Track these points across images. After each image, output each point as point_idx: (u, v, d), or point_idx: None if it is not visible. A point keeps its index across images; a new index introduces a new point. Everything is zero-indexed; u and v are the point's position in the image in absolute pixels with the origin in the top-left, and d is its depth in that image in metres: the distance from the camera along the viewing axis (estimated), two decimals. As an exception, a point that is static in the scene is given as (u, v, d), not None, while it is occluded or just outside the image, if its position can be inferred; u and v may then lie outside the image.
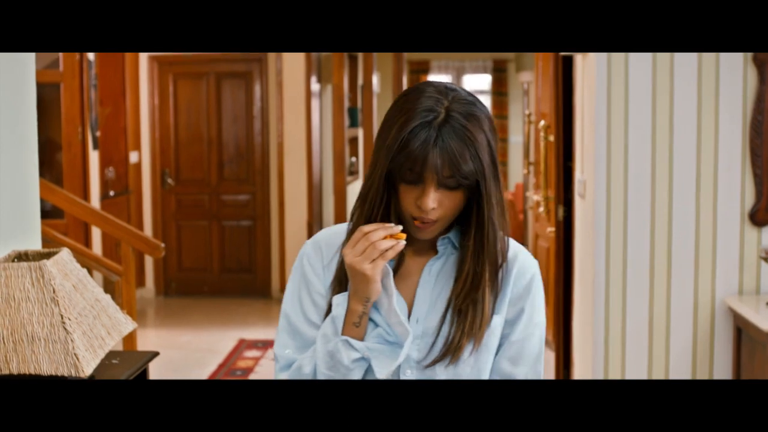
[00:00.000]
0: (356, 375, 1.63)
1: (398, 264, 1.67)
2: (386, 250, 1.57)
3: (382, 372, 1.62)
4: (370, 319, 1.65)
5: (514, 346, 1.69)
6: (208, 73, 8.11)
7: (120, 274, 5.12)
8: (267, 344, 6.50)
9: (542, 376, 1.72)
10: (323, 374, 1.63)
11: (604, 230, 3.91)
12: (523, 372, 1.69)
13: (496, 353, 1.69)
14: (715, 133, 3.85)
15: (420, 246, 1.68)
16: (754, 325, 3.55)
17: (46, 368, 2.16)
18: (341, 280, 1.67)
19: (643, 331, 3.94)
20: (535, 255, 6.80)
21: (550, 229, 5.37)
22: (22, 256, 2.39)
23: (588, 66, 4.07)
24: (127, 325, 2.45)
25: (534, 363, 1.70)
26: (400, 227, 1.60)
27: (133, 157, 7.86)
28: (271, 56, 7.94)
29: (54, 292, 2.19)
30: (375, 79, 8.71)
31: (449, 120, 1.55)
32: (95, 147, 6.65)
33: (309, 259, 1.72)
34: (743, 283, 3.90)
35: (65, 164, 6.47)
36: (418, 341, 1.65)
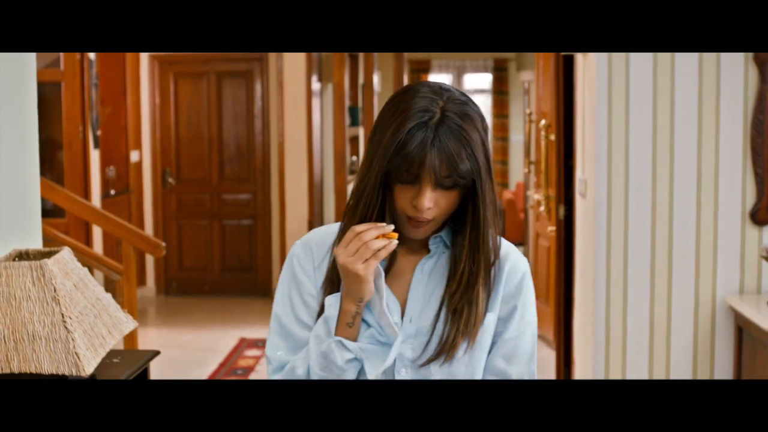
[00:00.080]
0: (350, 375, 1.63)
1: (390, 263, 1.67)
2: (379, 250, 1.57)
3: (372, 373, 1.62)
4: (363, 320, 1.65)
5: (508, 344, 1.70)
6: (209, 72, 8.11)
7: (121, 273, 5.12)
8: (268, 343, 6.49)
9: (536, 375, 1.72)
10: (317, 375, 1.63)
11: (605, 229, 3.91)
12: (517, 370, 1.70)
13: (489, 351, 1.70)
14: (716, 132, 3.85)
15: (412, 245, 1.69)
16: (755, 324, 3.55)
17: (47, 367, 2.16)
18: (333, 281, 1.67)
19: (643, 330, 3.94)
20: (536, 254, 6.80)
21: (551, 228, 5.37)
22: (22, 255, 2.39)
23: (589, 65, 4.07)
24: (128, 324, 2.45)
25: (528, 361, 1.71)
26: (392, 226, 1.59)
27: (133, 156, 7.86)
28: (272, 55, 7.94)
29: (55, 291, 2.19)
30: (376, 78, 8.71)
31: (445, 120, 1.56)
32: (96, 146, 6.65)
33: (299, 260, 1.72)
34: (744, 283, 3.90)
35: (66, 163, 6.47)
36: (411, 340, 1.65)
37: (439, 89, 1.60)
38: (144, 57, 7.97)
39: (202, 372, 5.89)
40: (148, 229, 8.07)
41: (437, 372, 1.65)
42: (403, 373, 1.65)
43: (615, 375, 3.97)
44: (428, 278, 1.68)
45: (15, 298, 2.18)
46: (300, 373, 1.65)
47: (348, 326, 1.62)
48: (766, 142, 3.83)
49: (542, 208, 6.04)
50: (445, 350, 1.63)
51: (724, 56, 3.82)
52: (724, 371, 3.92)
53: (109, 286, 5.15)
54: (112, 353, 2.54)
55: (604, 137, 3.88)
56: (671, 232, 3.90)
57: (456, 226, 1.66)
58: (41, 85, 3.10)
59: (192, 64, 8.08)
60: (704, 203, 3.87)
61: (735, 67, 3.81)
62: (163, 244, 5.35)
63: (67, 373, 2.16)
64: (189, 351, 6.43)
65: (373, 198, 1.60)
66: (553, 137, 5.33)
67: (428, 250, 1.69)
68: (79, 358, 2.16)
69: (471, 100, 1.62)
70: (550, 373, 5.39)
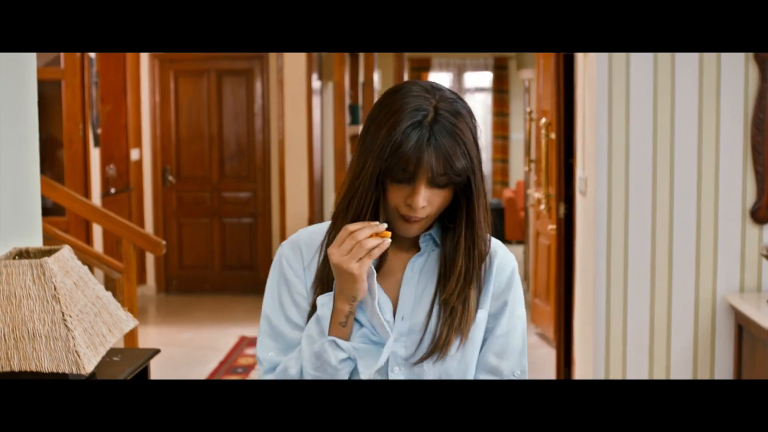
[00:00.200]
0: (343, 375, 1.63)
1: (381, 262, 1.67)
2: (372, 249, 1.57)
3: (366, 372, 1.62)
4: (356, 319, 1.65)
5: (500, 339, 1.70)
6: (209, 70, 8.11)
7: (121, 272, 5.12)
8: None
9: (527, 369, 1.73)
10: (310, 375, 1.63)
11: (605, 227, 3.91)
12: (509, 365, 1.71)
13: (481, 348, 1.70)
14: (717, 131, 3.84)
15: (402, 243, 1.69)
16: (755, 322, 3.54)
17: (48, 365, 2.16)
18: (323, 280, 1.66)
19: (644, 329, 3.94)
20: (536, 252, 6.80)
21: (551, 227, 5.37)
22: (23, 254, 2.39)
23: (589, 64, 4.07)
24: (128, 322, 2.45)
25: (519, 356, 1.72)
26: (385, 225, 1.59)
27: (134, 154, 7.86)
28: (272, 54, 7.94)
29: (55, 289, 2.19)
30: (376, 77, 8.71)
31: (439, 118, 1.56)
32: (96, 144, 6.65)
33: (288, 260, 1.71)
34: (744, 281, 3.90)
35: (66, 161, 6.47)
36: (404, 338, 1.65)
37: (431, 88, 1.60)
38: (144, 55, 7.97)
39: (203, 370, 5.89)
40: (149, 228, 8.07)
41: (430, 369, 1.65)
42: (397, 371, 1.65)
43: (615, 373, 3.97)
44: (419, 276, 1.68)
45: (15, 296, 2.18)
46: (293, 373, 1.65)
47: (341, 326, 1.62)
48: (766, 141, 3.83)
49: (542, 206, 6.04)
50: (438, 347, 1.63)
51: (725, 54, 3.82)
52: (724, 369, 3.92)
53: (110, 284, 5.15)
54: (113, 351, 2.54)
55: (605, 136, 3.88)
56: (671, 230, 3.90)
57: (449, 223, 1.66)
58: (41, 84, 3.10)
59: (192, 62, 8.08)
60: (704, 201, 3.87)
61: (735, 66, 3.81)
62: (164, 242, 5.34)
63: (67, 372, 2.16)
64: (189, 349, 6.43)
65: (366, 197, 1.60)
66: (553, 135, 5.32)
67: (418, 248, 1.69)
68: (79, 356, 2.16)
69: (461, 97, 1.63)
70: (550, 372, 5.39)
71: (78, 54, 6.31)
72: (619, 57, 3.85)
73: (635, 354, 3.96)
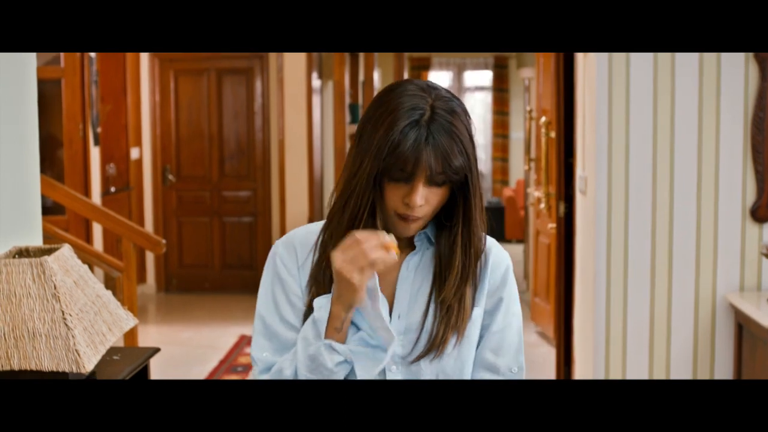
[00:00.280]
0: (339, 377, 1.62)
1: None
2: (376, 260, 1.55)
3: (364, 375, 1.61)
4: (353, 322, 1.64)
5: (496, 336, 1.71)
6: (209, 69, 8.11)
7: (121, 271, 5.12)
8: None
9: (524, 365, 1.74)
10: (304, 377, 1.62)
11: (605, 226, 3.91)
12: (506, 362, 1.71)
13: (477, 345, 1.70)
14: (717, 130, 3.84)
15: (397, 242, 1.69)
16: (756, 321, 3.55)
17: (48, 364, 2.16)
18: (319, 280, 1.65)
19: (644, 328, 3.95)
20: (536, 251, 6.80)
21: (551, 226, 5.37)
22: (23, 252, 2.39)
23: (589, 63, 4.07)
24: (128, 321, 2.46)
25: (515, 352, 1.72)
26: (393, 237, 1.58)
27: (134, 153, 7.86)
28: (272, 53, 7.94)
29: (55, 288, 2.19)
30: (376, 76, 8.71)
31: (436, 117, 1.56)
32: (96, 143, 6.65)
33: (282, 260, 1.71)
34: (744, 280, 3.90)
35: (66, 160, 6.47)
36: (401, 337, 1.65)
37: (427, 86, 1.60)
38: (144, 54, 7.97)
39: (203, 369, 5.89)
40: (149, 227, 8.07)
41: (427, 368, 1.65)
42: (394, 370, 1.65)
43: (615, 371, 3.98)
44: (414, 274, 1.68)
45: (15, 295, 2.18)
46: (288, 374, 1.64)
47: (336, 330, 1.61)
48: (766, 140, 3.83)
49: (542, 205, 6.04)
50: (435, 346, 1.64)
51: (725, 54, 3.81)
52: (724, 368, 3.92)
53: (110, 283, 5.15)
54: (113, 350, 2.54)
55: (605, 135, 3.88)
56: (671, 229, 3.90)
57: (445, 221, 1.66)
58: (41, 83, 3.10)
59: (192, 61, 8.08)
60: (704, 200, 3.87)
61: (735, 65, 3.81)
62: (164, 241, 5.34)
63: (67, 370, 2.16)
64: (189, 348, 6.43)
65: (364, 197, 1.59)
66: (553, 134, 5.32)
67: (413, 247, 1.69)
68: (79, 355, 2.17)
69: (455, 96, 1.63)
70: (550, 370, 5.39)
71: (78, 53, 6.31)
72: (619, 57, 3.85)
73: (635, 352, 3.96)
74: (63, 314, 2.18)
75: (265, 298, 1.71)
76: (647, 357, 3.95)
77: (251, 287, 8.13)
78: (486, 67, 12.47)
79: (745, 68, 3.81)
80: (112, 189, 7.40)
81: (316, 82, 8.21)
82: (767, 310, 3.55)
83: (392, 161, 1.55)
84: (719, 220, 3.87)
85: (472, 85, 12.57)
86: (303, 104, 7.94)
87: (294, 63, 7.88)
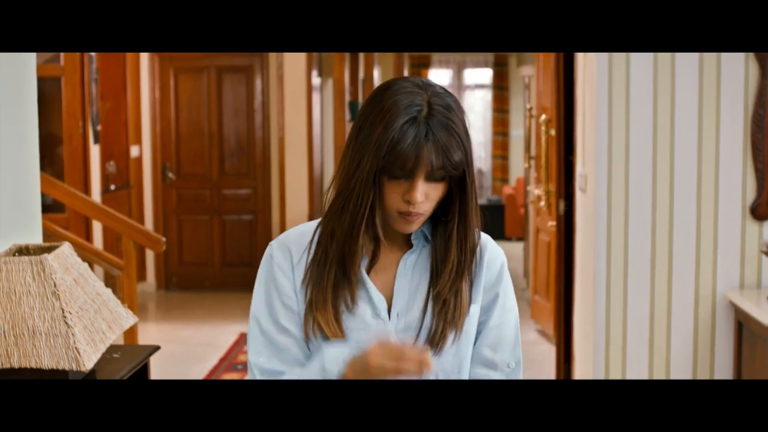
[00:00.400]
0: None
1: (373, 259, 1.67)
2: (408, 373, 1.54)
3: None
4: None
5: (493, 332, 1.71)
6: (209, 67, 8.10)
7: (121, 269, 5.12)
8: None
9: (521, 360, 1.74)
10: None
11: (605, 224, 3.91)
12: (503, 357, 1.72)
13: (475, 342, 1.71)
14: (717, 127, 3.84)
15: (394, 240, 1.69)
16: (755, 319, 3.55)
17: (47, 362, 2.16)
18: (315, 281, 1.66)
19: (644, 326, 3.95)
20: (536, 249, 6.80)
21: (551, 223, 5.37)
22: (23, 250, 2.39)
23: (589, 62, 4.07)
24: (128, 319, 2.46)
25: (513, 348, 1.73)
26: (431, 355, 1.57)
27: (134, 151, 7.86)
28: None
29: (55, 286, 2.19)
30: (376, 73, 8.71)
31: (433, 113, 1.56)
32: (96, 141, 6.65)
33: (277, 261, 1.71)
34: (744, 278, 3.90)
35: (66, 158, 6.47)
36: (401, 335, 1.66)
37: (422, 83, 1.60)
38: (144, 52, 7.97)
39: (203, 367, 5.89)
40: (149, 225, 8.06)
41: None
42: None
43: (615, 369, 3.98)
44: (412, 272, 1.69)
45: (15, 293, 2.19)
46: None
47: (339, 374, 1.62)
48: (766, 138, 3.82)
49: (542, 203, 6.04)
50: (435, 342, 1.64)
51: (725, 53, 3.82)
52: (724, 366, 3.92)
53: (109, 281, 5.15)
54: (113, 348, 2.54)
55: (605, 133, 3.88)
56: (671, 227, 3.90)
57: (442, 217, 1.67)
58: (41, 81, 3.09)
59: (192, 59, 8.08)
60: (704, 198, 3.87)
61: (735, 63, 3.81)
62: (164, 239, 5.35)
63: (67, 368, 2.16)
64: (189, 346, 6.43)
65: (363, 196, 1.59)
66: (553, 132, 5.32)
67: (410, 245, 1.70)
68: (79, 353, 2.17)
69: (450, 92, 1.63)
70: (549, 368, 5.40)
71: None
72: (619, 57, 3.85)
73: (635, 350, 3.96)
74: (63, 312, 2.18)
75: (260, 300, 1.73)
76: (647, 354, 3.96)
77: (251, 285, 8.00)
78: (486, 65, 12.47)
79: (745, 66, 3.81)
80: (112, 187, 7.40)
81: (316, 80, 8.20)
82: (767, 308, 3.55)
83: (392, 159, 1.55)
84: (719, 218, 3.87)
85: (472, 83, 12.57)
86: (303, 102, 7.94)
87: (294, 61, 7.88)
